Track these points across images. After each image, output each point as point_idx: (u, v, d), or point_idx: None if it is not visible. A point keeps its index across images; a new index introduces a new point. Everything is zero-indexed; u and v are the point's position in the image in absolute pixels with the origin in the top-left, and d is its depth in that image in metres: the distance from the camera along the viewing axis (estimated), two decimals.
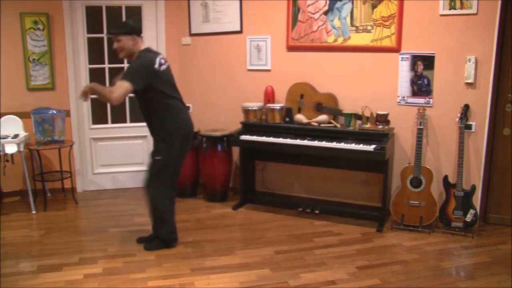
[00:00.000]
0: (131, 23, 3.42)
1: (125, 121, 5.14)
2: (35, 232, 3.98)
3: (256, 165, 4.83)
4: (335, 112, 4.27)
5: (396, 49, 4.09)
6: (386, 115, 4.08)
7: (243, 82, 4.79)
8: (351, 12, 4.19)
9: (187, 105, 5.16)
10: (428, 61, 4.01)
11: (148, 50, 3.39)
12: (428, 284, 3.08)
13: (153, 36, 5.01)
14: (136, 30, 3.36)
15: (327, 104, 4.29)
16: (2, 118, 4.55)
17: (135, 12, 4.95)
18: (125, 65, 4.97)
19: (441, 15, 3.91)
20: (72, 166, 4.87)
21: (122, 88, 3.15)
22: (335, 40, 4.31)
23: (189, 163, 4.80)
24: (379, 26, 4.12)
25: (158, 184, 3.48)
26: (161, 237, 3.61)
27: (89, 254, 3.53)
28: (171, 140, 3.42)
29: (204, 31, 4.89)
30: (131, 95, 3.35)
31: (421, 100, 4.09)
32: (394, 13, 4.04)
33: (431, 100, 4.06)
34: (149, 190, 3.52)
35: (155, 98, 3.34)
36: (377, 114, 4.10)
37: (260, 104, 4.54)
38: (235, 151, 4.79)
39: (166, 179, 3.48)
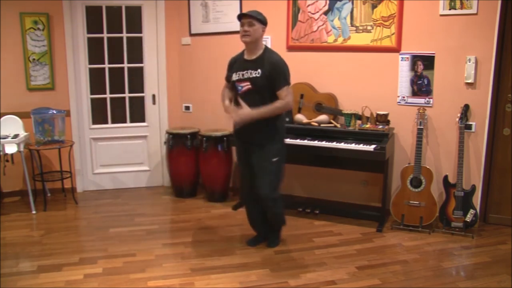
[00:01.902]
0: (265, 17, 3.39)
1: (125, 121, 5.14)
2: (35, 232, 3.98)
3: None
4: (335, 112, 4.27)
5: (396, 49, 4.09)
6: (386, 115, 4.08)
7: None
8: (351, 12, 4.20)
9: (187, 105, 5.20)
10: (428, 61, 4.01)
11: (270, 49, 3.43)
12: (428, 284, 3.08)
13: (153, 36, 5.01)
14: (267, 24, 3.37)
15: (327, 104, 4.29)
16: (2, 118, 4.55)
17: (135, 12, 4.95)
18: (125, 65, 4.99)
19: (441, 15, 3.91)
20: (72, 166, 4.87)
21: (290, 93, 3.30)
22: (335, 40, 4.31)
23: (189, 163, 4.82)
24: (379, 26, 4.12)
25: (278, 187, 3.44)
26: (277, 234, 3.70)
27: (89, 254, 3.53)
28: (281, 139, 3.42)
29: (204, 31, 4.89)
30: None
31: (421, 100, 4.09)
32: (394, 13, 4.04)
33: (431, 100, 4.06)
34: (270, 193, 3.38)
35: (274, 96, 3.30)
36: (377, 114, 4.10)
37: None
38: (235, 151, 4.77)
39: (281, 180, 3.47)
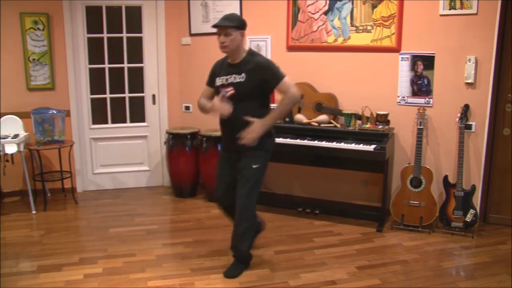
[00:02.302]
0: (240, 17, 3.14)
1: (125, 121, 5.13)
2: (35, 232, 3.98)
3: None
4: (335, 112, 4.27)
5: (396, 49, 4.09)
6: (386, 115, 4.08)
7: None
8: (351, 12, 4.19)
9: (187, 105, 5.20)
10: (428, 61, 4.01)
11: (253, 51, 3.19)
12: (428, 284, 3.08)
13: (153, 36, 5.01)
14: (245, 26, 3.11)
15: (327, 104, 4.29)
16: (2, 118, 4.55)
17: (135, 12, 4.95)
18: (125, 65, 4.99)
19: (441, 15, 3.91)
20: (72, 166, 4.87)
21: (291, 84, 3.03)
22: (335, 40, 4.31)
23: (189, 163, 4.81)
24: (379, 26, 4.12)
25: (254, 196, 3.20)
26: (242, 255, 3.28)
27: (89, 254, 3.53)
28: (268, 146, 3.18)
29: (204, 31, 4.89)
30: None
31: (421, 100, 4.09)
32: (394, 13, 4.04)
33: (431, 100, 4.06)
34: (245, 201, 3.15)
35: (265, 101, 3.17)
36: (377, 114, 4.10)
37: None
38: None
39: (258, 190, 3.23)
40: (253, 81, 3.04)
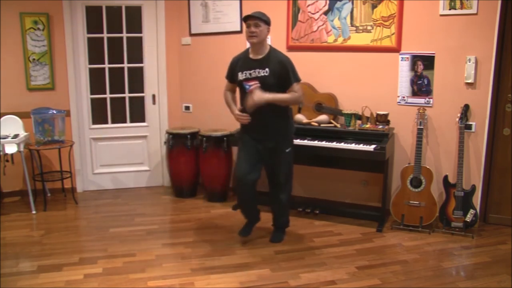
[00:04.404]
0: (268, 16, 3.47)
1: (125, 121, 5.14)
2: (35, 232, 3.98)
3: None
4: (335, 112, 4.27)
5: (396, 49, 4.09)
6: (386, 115, 4.09)
7: None
8: (351, 12, 4.20)
9: (187, 105, 5.19)
10: (428, 61, 4.01)
11: (275, 48, 3.51)
12: (428, 284, 3.08)
13: (153, 36, 5.01)
14: (270, 24, 3.46)
15: (327, 104, 4.29)
16: (2, 118, 4.55)
17: (135, 12, 4.95)
18: (125, 65, 4.99)
19: (441, 15, 3.91)
20: (72, 166, 4.87)
21: (302, 88, 3.46)
22: (335, 40, 4.31)
23: (189, 163, 4.82)
24: (379, 26, 4.12)
25: (292, 174, 3.74)
26: (284, 224, 3.84)
27: (89, 254, 3.53)
28: (293, 130, 3.64)
29: (204, 31, 4.89)
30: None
31: (421, 100, 4.09)
32: (394, 13, 4.04)
33: (431, 100, 4.06)
34: (287, 177, 3.68)
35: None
36: (377, 114, 4.10)
37: None
38: (235, 151, 4.77)
39: (293, 169, 3.73)
40: (275, 76, 3.33)
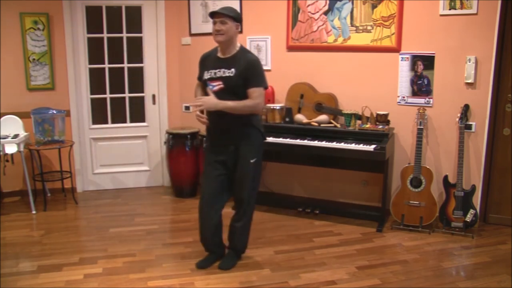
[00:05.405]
0: (237, 11, 3.15)
1: (125, 121, 5.13)
2: (35, 232, 3.98)
3: None
4: (335, 112, 4.27)
5: (396, 49, 4.09)
6: (386, 115, 4.08)
7: None
8: (351, 12, 4.19)
9: (187, 105, 5.19)
10: (428, 61, 4.01)
11: (246, 48, 3.23)
12: (428, 284, 3.08)
13: (153, 36, 5.01)
14: (241, 20, 3.20)
15: (327, 104, 4.29)
16: (2, 118, 4.55)
17: (135, 12, 4.95)
18: (125, 65, 4.99)
19: (441, 15, 3.91)
20: (72, 166, 4.87)
21: (263, 96, 3.09)
22: (335, 40, 4.31)
23: (189, 163, 4.81)
24: (379, 26, 4.12)
25: (255, 191, 3.27)
26: (239, 249, 3.40)
27: (89, 254, 3.53)
28: (260, 140, 3.23)
29: (204, 31, 4.88)
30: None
31: (421, 100, 4.09)
32: (394, 13, 4.04)
33: (431, 100, 4.06)
34: (245, 196, 3.21)
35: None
36: (377, 114, 4.10)
37: None
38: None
39: (259, 183, 3.31)
40: (241, 77, 3.03)
